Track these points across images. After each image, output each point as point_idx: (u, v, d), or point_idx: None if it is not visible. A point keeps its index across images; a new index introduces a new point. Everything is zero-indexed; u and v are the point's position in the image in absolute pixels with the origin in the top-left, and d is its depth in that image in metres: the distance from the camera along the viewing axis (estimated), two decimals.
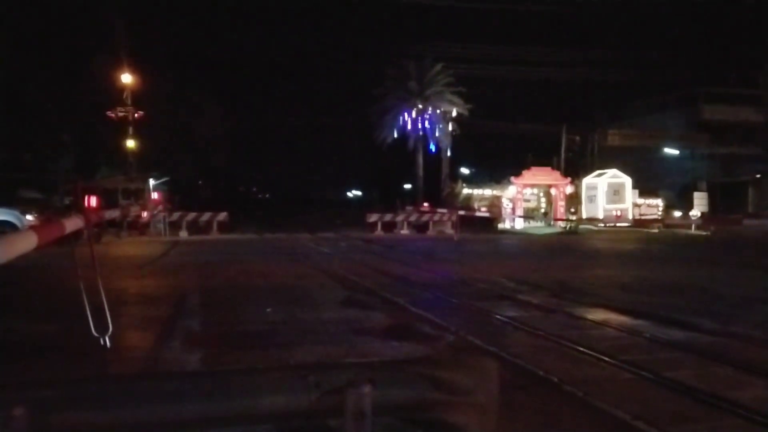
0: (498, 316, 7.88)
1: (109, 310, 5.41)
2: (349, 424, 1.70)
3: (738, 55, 39.96)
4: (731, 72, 42.02)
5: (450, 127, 40.47)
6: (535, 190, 31.24)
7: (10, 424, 1.59)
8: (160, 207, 26.28)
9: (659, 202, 31.98)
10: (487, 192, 33.26)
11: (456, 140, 41.15)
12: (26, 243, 3.74)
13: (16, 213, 18.67)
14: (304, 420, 1.81)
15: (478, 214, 30.68)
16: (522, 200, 30.21)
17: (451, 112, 40.11)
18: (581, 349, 6.10)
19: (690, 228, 27.53)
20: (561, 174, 31.81)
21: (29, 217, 18.67)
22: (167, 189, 32.77)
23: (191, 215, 25.38)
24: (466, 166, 48.15)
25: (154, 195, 28.52)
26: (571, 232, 27.33)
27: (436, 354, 6.04)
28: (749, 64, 39.22)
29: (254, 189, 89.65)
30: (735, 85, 41.58)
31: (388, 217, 27.47)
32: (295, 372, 1.87)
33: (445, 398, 1.85)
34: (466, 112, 40.03)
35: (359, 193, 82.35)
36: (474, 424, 1.86)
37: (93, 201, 17.27)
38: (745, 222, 30.77)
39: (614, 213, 30.17)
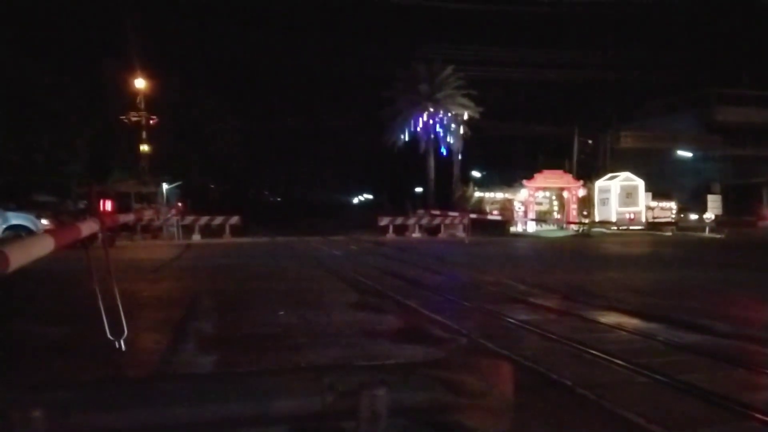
0: (510, 319, 7.85)
1: (124, 313, 5.45)
2: (363, 427, 1.70)
3: (751, 56, 39.71)
4: (744, 73, 41.72)
5: (461, 130, 40.42)
6: (547, 193, 31.14)
7: (28, 426, 1.60)
8: (173, 211, 26.46)
9: (672, 204, 31.78)
10: (499, 195, 33.21)
11: (467, 143, 41.08)
12: (43, 247, 3.78)
13: (31, 217, 18.84)
14: (318, 422, 1.80)
15: (489, 217, 30.64)
16: (534, 203, 30.13)
17: (462, 115, 40.06)
18: (594, 352, 6.07)
19: (704, 231, 27.33)
20: (573, 177, 31.70)
21: (44, 221, 18.83)
22: (180, 193, 32.97)
23: (204, 219, 25.55)
24: (478, 169, 48.04)
25: (179, 204, 28.79)
26: (584, 235, 27.23)
27: (450, 357, 6.03)
28: (762, 64, 38.94)
29: (266, 192, 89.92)
30: (748, 86, 41.26)
31: (399, 220, 27.51)
32: (309, 374, 1.87)
33: (459, 401, 1.84)
34: (477, 115, 39.96)
35: (370, 196, 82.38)
36: (488, 428, 1.85)
37: (108, 205, 17.41)
38: (760, 224, 30.51)
39: (627, 216, 30.01)
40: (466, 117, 40.09)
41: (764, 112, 39.13)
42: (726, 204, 33.45)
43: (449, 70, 39.97)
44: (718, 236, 26.05)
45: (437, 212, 30.69)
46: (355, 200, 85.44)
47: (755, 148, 39.53)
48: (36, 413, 1.60)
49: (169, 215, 25.68)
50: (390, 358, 5.93)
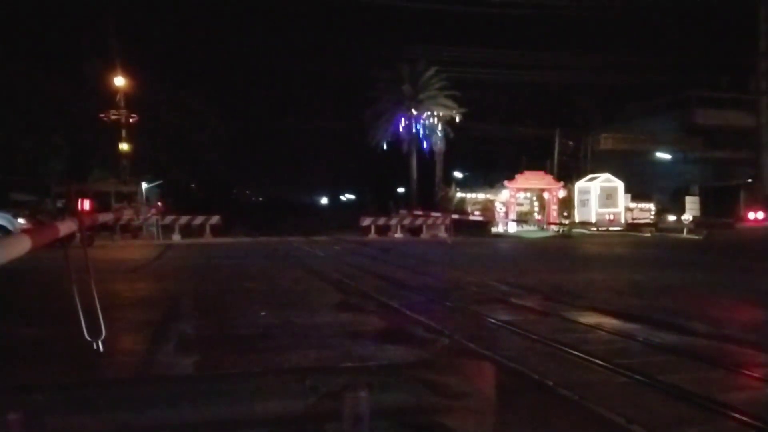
0: (492, 320, 7.88)
1: (102, 313, 5.38)
2: (346, 428, 1.70)
3: (730, 60, 40.19)
4: (723, 76, 42.24)
5: (444, 131, 40.54)
6: (528, 194, 31.31)
7: (4, 429, 1.57)
8: (153, 210, 26.20)
9: (652, 206, 32.11)
10: (481, 196, 33.32)
11: (450, 144, 41.21)
12: (20, 246, 3.72)
13: (8, 216, 18.57)
14: (301, 424, 1.80)
15: (471, 217, 30.73)
16: (515, 204, 30.28)
17: (445, 116, 40.18)
18: (575, 352, 6.11)
19: (682, 232, 27.64)
20: (554, 178, 31.90)
21: (21, 220, 18.57)
22: (160, 192, 32.70)
23: (184, 218, 25.31)
24: (460, 170, 48.22)
25: (158, 203, 28.52)
26: (564, 236, 27.42)
27: (432, 358, 6.03)
28: (741, 68, 39.45)
29: (247, 192, 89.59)
30: (727, 90, 41.79)
31: (381, 220, 27.50)
32: (292, 376, 1.86)
33: (441, 402, 1.84)
34: (460, 116, 40.10)
35: (352, 196, 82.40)
36: (471, 428, 1.85)
37: (86, 204, 17.17)
38: (738, 226, 30.93)
39: (607, 217, 30.26)
40: (449, 118, 40.21)
41: (743, 115, 39.59)
42: (704, 205, 33.86)
43: (432, 71, 40.05)
44: (696, 237, 26.35)
45: (420, 213, 30.73)
46: (323, 200, 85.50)
47: (734, 151, 40.02)
48: (12, 416, 1.57)
49: (148, 215, 25.42)
50: (373, 359, 5.92)
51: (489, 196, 32.06)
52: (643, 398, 4.81)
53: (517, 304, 9.24)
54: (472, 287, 11.06)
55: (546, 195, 30.82)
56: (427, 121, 40.69)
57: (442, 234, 26.32)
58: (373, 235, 25.99)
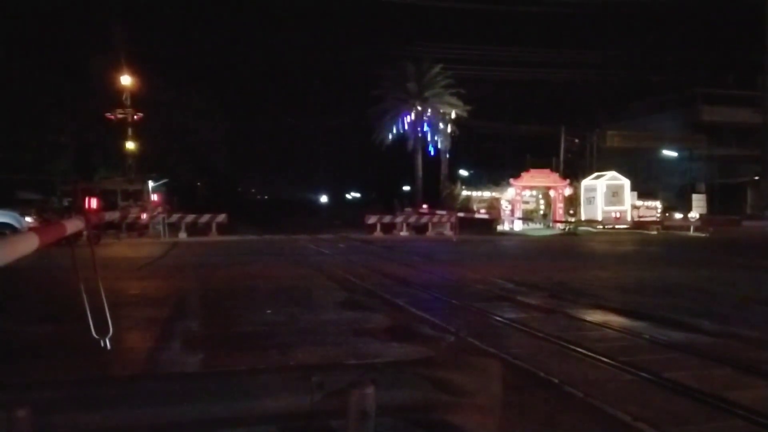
0: (498, 318, 7.88)
1: (109, 311, 5.41)
2: (352, 425, 1.70)
3: (736, 57, 40.03)
4: (729, 73, 42.09)
5: (449, 129, 40.48)
6: (534, 192, 31.26)
7: (13, 425, 1.59)
8: (160, 208, 26.25)
9: (658, 203, 32.00)
10: (486, 194, 33.28)
11: (455, 142, 41.17)
12: (27, 244, 3.74)
13: (15, 215, 18.63)
14: (307, 421, 1.81)
15: (477, 215, 30.69)
16: (521, 202, 30.23)
17: (450, 114, 40.12)
18: (581, 350, 6.10)
19: (689, 230, 27.55)
20: (560, 176, 31.84)
21: (28, 218, 18.63)
22: (166, 190, 32.75)
23: (190, 217, 25.34)
24: (465, 168, 48.17)
25: (154, 197, 28.47)
26: (570, 234, 27.36)
27: (438, 355, 6.04)
28: (747, 65, 39.29)
29: (253, 190, 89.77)
30: (733, 87, 41.65)
31: (387, 218, 27.48)
32: (298, 373, 1.87)
33: (447, 399, 1.85)
34: (465, 114, 40.04)
35: (358, 194, 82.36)
36: (476, 425, 1.86)
37: (93, 202, 17.19)
38: (744, 223, 30.79)
39: (613, 215, 30.18)
40: (454, 116, 40.16)
41: (749, 112, 39.47)
42: (711, 203, 33.75)
43: (437, 68, 40.00)
44: (703, 235, 26.26)
45: (425, 210, 30.67)
46: (323, 198, 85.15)
47: (740, 148, 39.90)
48: (20, 412, 1.58)
49: (155, 213, 25.47)
50: (379, 356, 5.93)
51: (494, 194, 32.02)
52: (649, 396, 4.81)
53: (522, 301, 9.23)
54: (477, 285, 11.06)
55: (552, 193, 30.76)
56: (432, 119, 40.65)
57: (448, 232, 26.29)
58: (378, 233, 25.99)
